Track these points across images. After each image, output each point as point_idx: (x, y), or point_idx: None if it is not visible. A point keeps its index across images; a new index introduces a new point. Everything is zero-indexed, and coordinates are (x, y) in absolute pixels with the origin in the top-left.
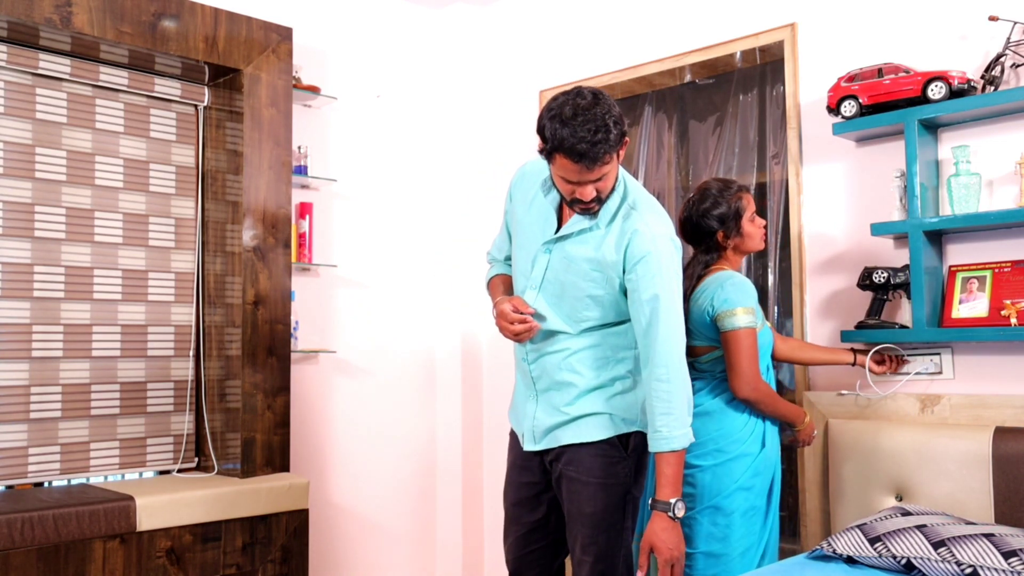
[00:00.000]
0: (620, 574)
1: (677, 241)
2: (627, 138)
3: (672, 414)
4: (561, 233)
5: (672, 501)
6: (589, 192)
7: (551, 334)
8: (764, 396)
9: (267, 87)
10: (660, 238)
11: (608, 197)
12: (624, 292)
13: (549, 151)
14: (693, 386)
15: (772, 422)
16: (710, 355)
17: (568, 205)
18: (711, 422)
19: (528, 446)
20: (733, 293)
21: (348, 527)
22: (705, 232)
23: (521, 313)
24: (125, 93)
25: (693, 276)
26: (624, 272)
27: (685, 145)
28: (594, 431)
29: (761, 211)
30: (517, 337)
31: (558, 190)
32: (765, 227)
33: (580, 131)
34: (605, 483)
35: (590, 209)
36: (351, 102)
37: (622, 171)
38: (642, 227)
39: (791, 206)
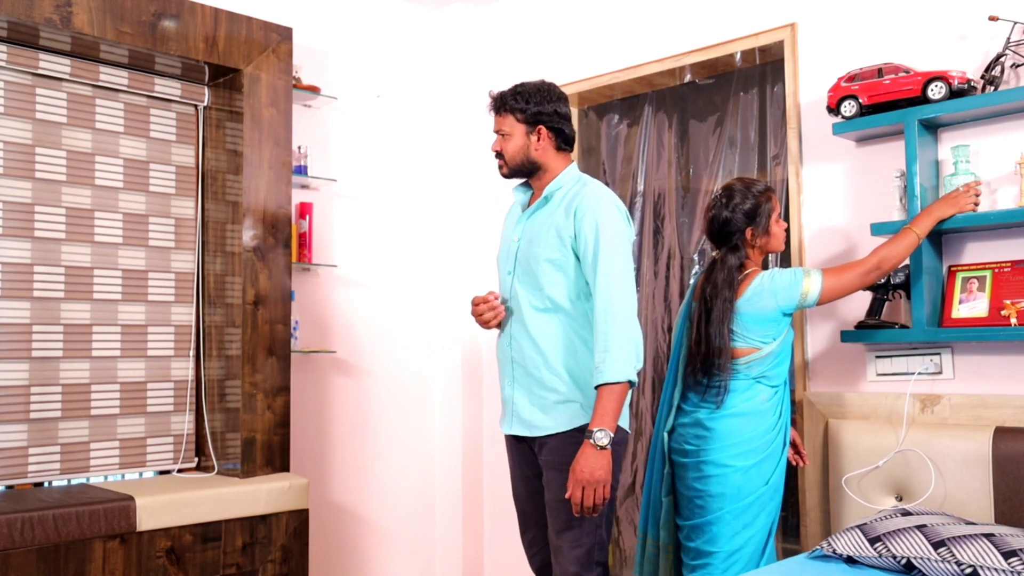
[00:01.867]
0: (595, 559)
1: (623, 208)
2: (541, 126)
3: (610, 351)
4: (527, 211)
5: (595, 430)
6: (496, 143)
7: (524, 319)
8: (881, 268)
9: (267, 87)
10: (604, 202)
11: (520, 168)
12: (579, 257)
13: None
14: (728, 387)
15: (788, 421)
16: (750, 357)
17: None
18: (748, 424)
19: (506, 429)
20: (785, 279)
21: (348, 527)
22: (734, 230)
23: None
24: (125, 93)
25: (731, 282)
26: (574, 234)
27: (685, 145)
28: (568, 420)
29: None
30: (483, 319)
31: None
32: (787, 229)
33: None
34: None
35: (499, 168)
36: (351, 102)
37: (582, 175)
38: (588, 194)
39: (791, 206)
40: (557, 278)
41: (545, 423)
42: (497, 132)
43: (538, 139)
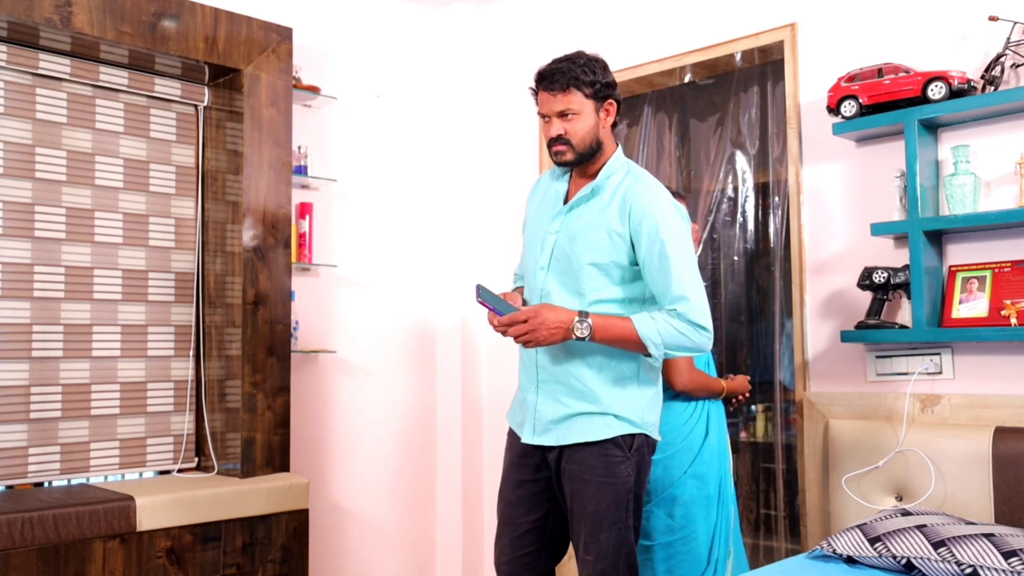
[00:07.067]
0: (621, 573)
1: (681, 207)
2: (611, 100)
3: (661, 334)
4: (571, 202)
5: (589, 322)
6: (556, 127)
7: None
8: (698, 384)
9: (267, 87)
10: (661, 200)
11: (588, 152)
12: (633, 262)
13: (534, 92)
14: None
15: (716, 411)
16: None
17: (549, 150)
18: None
19: (527, 438)
20: None
21: (348, 527)
22: None
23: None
24: (125, 93)
25: None
26: (631, 237)
27: (686, 145)
28: (597, 430)
29: (763, 211)
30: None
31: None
32: (699, 231)
33: (552, 62)
34: (607, 482)
35: (562, 154)
36: (351, 102)
37: (627, 159)
38: (643, 190)
39: (791, 206)
40: (601, 283)
41: (573, 432)
42: (559, 114)
43: (607, 115)
